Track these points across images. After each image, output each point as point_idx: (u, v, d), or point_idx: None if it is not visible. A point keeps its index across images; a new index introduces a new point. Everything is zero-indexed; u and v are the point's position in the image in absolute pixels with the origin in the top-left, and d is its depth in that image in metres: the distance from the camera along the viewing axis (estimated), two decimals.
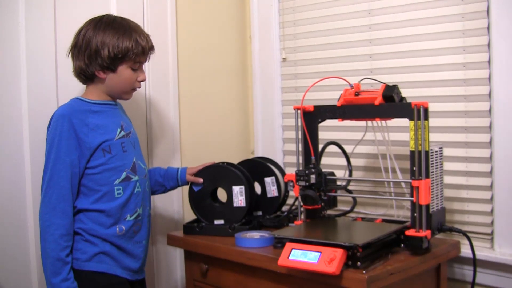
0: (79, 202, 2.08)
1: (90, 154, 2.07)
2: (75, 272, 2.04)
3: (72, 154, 2.04)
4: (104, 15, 2.17)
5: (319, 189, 2.26)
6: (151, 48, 2.21)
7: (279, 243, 2.11)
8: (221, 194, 2.50)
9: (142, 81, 2.22)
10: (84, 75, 2.14)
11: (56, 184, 2.02)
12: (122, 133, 2.18)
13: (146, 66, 2.44)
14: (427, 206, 2.03)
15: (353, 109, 2.21)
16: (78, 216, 2.09)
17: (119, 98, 2.24)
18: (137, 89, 2.23)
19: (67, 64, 2.19)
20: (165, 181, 2.45)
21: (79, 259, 2.06)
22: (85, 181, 2.09)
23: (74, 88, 2.27)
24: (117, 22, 2.14)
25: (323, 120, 2.31)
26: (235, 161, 2.60)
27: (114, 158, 2.12)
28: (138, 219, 2.18)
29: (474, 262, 2.21)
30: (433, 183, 2.08)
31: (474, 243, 2.22)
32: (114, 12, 2.47)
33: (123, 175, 2.14)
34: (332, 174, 2.34)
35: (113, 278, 2.11)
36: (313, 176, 2.22)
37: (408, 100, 2.12)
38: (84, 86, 2.20)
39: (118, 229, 2.11)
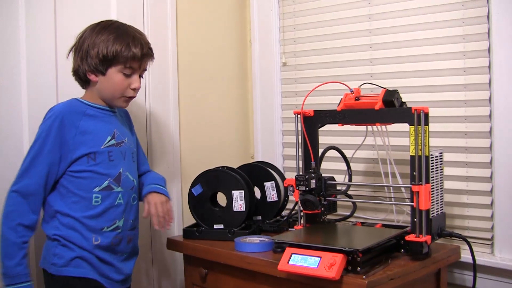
0: (56, 202, 2.05)
1: (72, 160, 2.04)
2: (53, 278, 2.02)
3: (54, 154, 2.01)
4: (107, 20, 2.16)
5: (319, 193, 2.26)
6: (145, 55, 2.14)
7: (279, 248, 2.11)
8: (221, 199, 2.50)
9: (135, 89, 2.14)
10: (78, 77, 2.13)
11: (32, 177, 1.99)
12: (112, 141, 2.12)
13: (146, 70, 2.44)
14: (427, 211, 2.02)
15: (353, 114, 2.21)
16: (54, 222, 2.05)
17: (111, 104, 2.17)
18: (136, 95, 2.18)
19: (67, 67, 2.19)
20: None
21: (57, 264, 2.03)
22: (65, 181, 2.06)
23: (73, 90, 2.26)
24: (114, 26, 2.12)
25: (323, 125, 2.30)
26: (235, 165, 2.59)
27: (97, 166, 2.07)
28: (118, 231, 2.11)
29: (474, 267, 2.20)
30: (433, 188, 2.07)
31: (474, 248, 2.22)
32: (114, 16, 2.47)
33: (105, 183, 2.08)
34: (332, 179, 2.33)
35: (90, 282, 2.05)
36: (313, 181, 2.21)
37: (408, 105, 2.12)
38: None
39: (94, 239, 2.05)
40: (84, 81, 2.14)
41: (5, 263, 1.95)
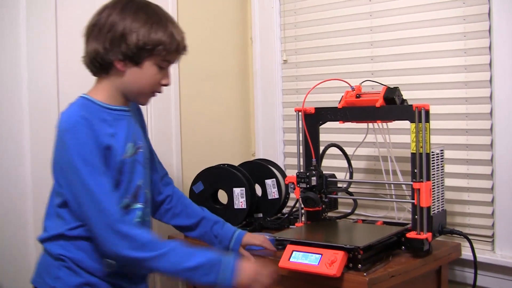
0: (68, 218, 1.73)
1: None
2: None
3: (102, 160, 1.69)
4: None
5: (320, 191, 2.26)
6: (185, 47, 1.85)
7: (280, 245, 2.10)
8: (222, 196, 2.50)
9: (166, 85, 1.85)
10: (99, 63, 1.75)
11: (110, 197, 1.67)
12: (132, 150, 1.81)
13: None
14: (428, 209, 2.02)
15: (354, 111, 2.21)
16: (61, 240, 1.73)
17: (134, 100, 1.87)
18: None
19: (68, 64, 2.17)
20: (218, 241, 2.09)
21: None
22: None
23: (75, 88, 2.24)
24: (151, 7, 1.79)
25: (324, 122, 2.31)
26: (236, 163, 2.60)
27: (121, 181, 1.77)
28: None
29: (475, 264, 2.21)
30: (434, 185, 2.07)
31: (475, 245, 2.22)
32: None
33: (125, 202, 1.78)
34: (333, 176, 2.33)
35: None
36: (314, 178, 2.21)
37: (409, 102, 2.12)
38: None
39: (107, 263, 1.74)
40: (101, 69, 1.77)
41: (195, 263, 1.68)
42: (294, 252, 1.94)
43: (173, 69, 2.71)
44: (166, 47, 1.76)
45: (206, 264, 1.68)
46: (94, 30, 1.75)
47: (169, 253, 1.66)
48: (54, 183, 1.76)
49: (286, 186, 2.54)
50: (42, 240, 1.78)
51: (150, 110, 2.67)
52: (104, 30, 1.73)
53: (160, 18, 1.77)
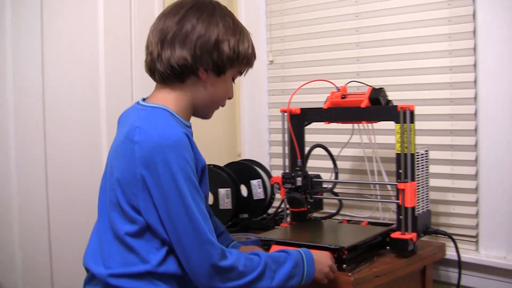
0: (148, 254, 1.53)
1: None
2: None
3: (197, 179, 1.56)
4: (209, 1, 1.70)
5: (305, 191, 2.26)
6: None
7: (265, 246, 2.10)
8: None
9: (230, 98, 1.77)
10: (180, 71, 1.61)
11: (204, 221, 1.52)
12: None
13: (132, 68, 2.43)
14: (413, 209, 2.03)
15: (339, 111, 2.21)
16: (142, 282, 1.52)
17: (202, 114, 1.76)
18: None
19: (55, 72, 2.15)
20: None
21: None
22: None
23: (60, 96, 2.21)
24: (233, 15, 1.71)
25: (309, 123, 2.31)
26: (222, 163, 2.59)
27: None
28: None
29: (459, 264, 2.22)
30: (418, 185, 2.08)
31: (459, 245, 2.23)
32: (101, 13, 2.46)
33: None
34: (318, 176, 2.34)
35: None
36: (299, 179, 2.22)
37: (395, 103, 2.13)
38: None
39: None
40: (179, 77, 1.63)
41: (288, 269, 1.63)
42: None
43: None
44: (248, 58, 1.71)
45: (293, 265, 1.65)
46: (178, 37, 1.61)
47: (265, 268, 1.58)
48: (123, 206, 1.54)
49: (272, 186, 2.54)
50: (107, 275, 1.54)
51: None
52: (192, 36, 1.60)
53: (242, 27, 1.71)
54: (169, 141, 1.47)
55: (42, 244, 2.29)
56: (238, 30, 1.67)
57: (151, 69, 1.66)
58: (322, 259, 1.76)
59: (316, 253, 1.75)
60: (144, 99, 1.70)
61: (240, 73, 1.76)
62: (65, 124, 2.37)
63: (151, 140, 1.48)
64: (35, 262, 2.26)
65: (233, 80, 1.75)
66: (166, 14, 1.66)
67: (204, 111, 1.74)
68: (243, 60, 1.69)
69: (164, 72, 1.62)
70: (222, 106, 1.77)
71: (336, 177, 2.40)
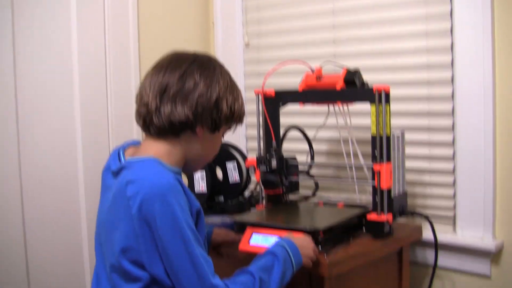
0: None
1: None
2: None
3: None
4: (208, 58, 1.74)
5: (281, 173, 2.24)
6: None
7: (240, 228, 2.09)
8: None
9: (216, 154, 1.80)
10: (178, 127, 1.62)
11: (206, 262, 1.54)
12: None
13: (107, 62, 2.41)
14: (389, 191, 2.03)
15: (314, 93, 2.19)
16: None
17: (192, 168, 1.77)
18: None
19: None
20: None
21: None
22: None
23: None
24: (227, 71, 1.75)
25: (284, 105, 2.29)
26: None
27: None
28: None
29: (436, 245, 2.22)
30: (394, 167, 2.07)
31: (436, 226, 2.24)
32: (74, 12, 2.42)
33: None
34: (294, 159, 2.32)
35: None
36: (274, 161, 2.20)
37: (371, 85, 2.11)
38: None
39: None
40: (175, 132, 1.64)
41: (279, 273, 1.64)
42: (254, 235, 1.93)
43: (133, 58, 2.66)
44: (241, 116, 1.74)
45: (282, 263, 1.66)
46: (180, 92, 1.61)
47: (261, 284, 1.60)
48: (126, 268, 1.53)
49: (248, 169, 2.52)
50: None
51: (111, 101, 2.60)
52: (194, 94, 1.61)
53: (236, 85, 1.74)
54: (162, 190, 1.48)
55: (18, 246, 2.27)
56: (234, 88, 1.71)
57: (145, 121, 1.65)
58: (306, 244, 1.78)
59: (297, 239, 1.76)
60: (128, 147, 1.75)
61: (230, 129, 1.77)
62: (39, 125, 2.34)
63: (142, 192, 1.48)
64: (10, 262, 2.25)
65: (222, 136, 1.77)
66: (165, 67, 1.66)
67: (193, 165, 1.75)
68: (237, 118, 1.72)
69: (161, 127, 1.62)
70: (209, 162, 1.81)
71: (312, 159, 2.38)
